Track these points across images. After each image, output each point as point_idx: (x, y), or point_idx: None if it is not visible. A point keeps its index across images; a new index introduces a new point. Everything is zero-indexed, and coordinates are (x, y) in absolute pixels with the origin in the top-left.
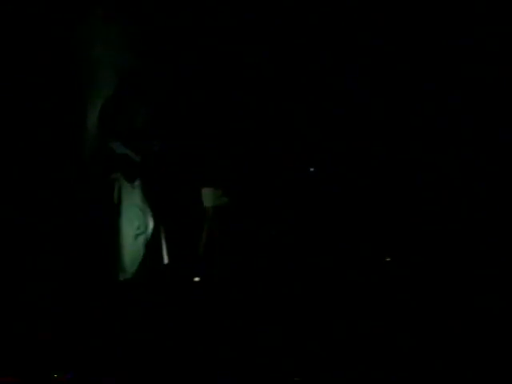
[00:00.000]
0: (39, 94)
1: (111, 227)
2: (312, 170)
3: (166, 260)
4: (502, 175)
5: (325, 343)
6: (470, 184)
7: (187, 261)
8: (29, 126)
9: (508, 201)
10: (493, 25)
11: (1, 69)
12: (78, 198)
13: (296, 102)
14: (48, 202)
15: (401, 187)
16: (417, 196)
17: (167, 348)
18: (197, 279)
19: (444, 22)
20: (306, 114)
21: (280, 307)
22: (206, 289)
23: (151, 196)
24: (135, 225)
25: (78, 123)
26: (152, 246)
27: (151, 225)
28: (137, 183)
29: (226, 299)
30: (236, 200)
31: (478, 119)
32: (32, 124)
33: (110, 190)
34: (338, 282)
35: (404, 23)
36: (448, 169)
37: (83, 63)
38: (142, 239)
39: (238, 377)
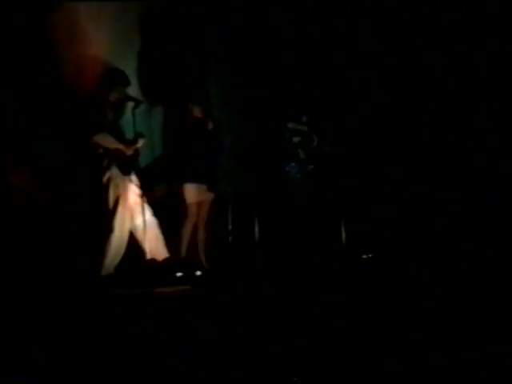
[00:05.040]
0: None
1: (107, 226)
2: (293, 165)
3: (165, 254)
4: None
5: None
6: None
7: (172, 256)
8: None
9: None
10: None
11: None
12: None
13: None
14: (39, 202)
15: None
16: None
17: (155, 346)
18: (179, 274)
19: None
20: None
21: (270, 303)
22: (190, 284)
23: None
24: (132, 222)
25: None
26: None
27: (151, 220)
28: (130, 179)
29: (211, 295)
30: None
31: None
32: (25, 123)
33: (105, 189)
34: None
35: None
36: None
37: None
38: (139, 235)
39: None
